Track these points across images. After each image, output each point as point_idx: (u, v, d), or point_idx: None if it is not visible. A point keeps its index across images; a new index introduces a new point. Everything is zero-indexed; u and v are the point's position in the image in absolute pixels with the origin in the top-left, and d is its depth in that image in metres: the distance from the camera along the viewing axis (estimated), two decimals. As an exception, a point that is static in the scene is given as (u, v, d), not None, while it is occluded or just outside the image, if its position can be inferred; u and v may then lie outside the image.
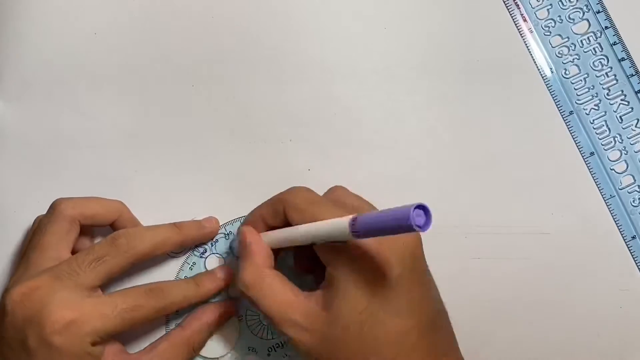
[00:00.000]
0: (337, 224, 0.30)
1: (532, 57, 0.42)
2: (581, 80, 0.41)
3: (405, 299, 0.31)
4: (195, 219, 0.39)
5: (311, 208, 0.33)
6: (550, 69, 0.42)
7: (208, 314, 0.37)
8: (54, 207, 0.36)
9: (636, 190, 0.41)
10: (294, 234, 0.33)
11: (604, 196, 0.41)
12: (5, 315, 0.33)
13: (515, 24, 0.42)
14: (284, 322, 0.32)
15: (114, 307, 0.34)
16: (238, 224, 0.40)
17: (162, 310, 0.36)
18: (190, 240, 0.38)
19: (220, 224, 0.40)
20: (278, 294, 0.33)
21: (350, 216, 0.29)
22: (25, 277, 0.34)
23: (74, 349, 0.32)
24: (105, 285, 0.35)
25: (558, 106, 0.41)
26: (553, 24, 0.42)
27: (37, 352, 0.32)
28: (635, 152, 0.41)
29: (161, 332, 0.38)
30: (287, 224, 0.34)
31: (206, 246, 0.39)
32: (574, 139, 0.41)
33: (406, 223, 0.26)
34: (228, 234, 0.40)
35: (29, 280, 0.33)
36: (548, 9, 0.42)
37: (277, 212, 0.35)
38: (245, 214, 0.40)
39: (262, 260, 0.34)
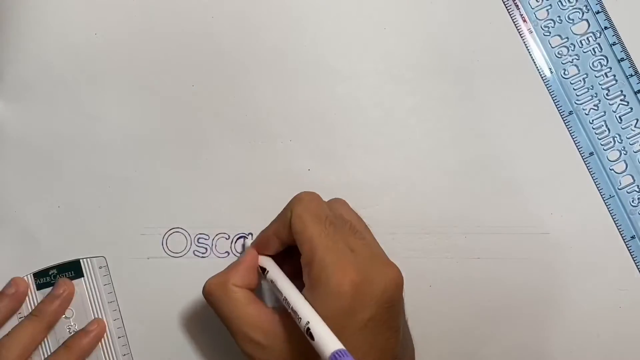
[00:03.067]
0: (323, 340, 0.29)
1: (532, 57, 0.42)
2: (580, 80, 0.42)
3: (369, 342, 0.31)
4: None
5: (310, 225, 0.32)
6: (550, 69, 0.42)
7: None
8: None
9: (635, 190, 0.41)
10: (286, 294, 0.32)
11: (603, 196, 0.41)
12: None
13: (515, 25, 0.42)
14: (244, 340, 0.32)
15: None
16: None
17: None
18: (54, 319, 0.38)
19: (72, 286, 0.39)
20: (239, 308, 0.33)
21: (336, 349, 0.28)
22: None
23: None
24: None
25: (557, 106, 0.41)
26: (552, 25, 0.42)
27: None
28: (635, 152, 0.41)
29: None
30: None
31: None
32: (573, 139, 0.41)
33: None
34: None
35: None
36: (547, 10, 0.42)
37: (285, 221, 0.34)
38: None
39: (237, 278, 0.34)
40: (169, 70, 0.41)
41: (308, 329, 0.29)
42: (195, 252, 0.39)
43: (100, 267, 0.39)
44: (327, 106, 0.41)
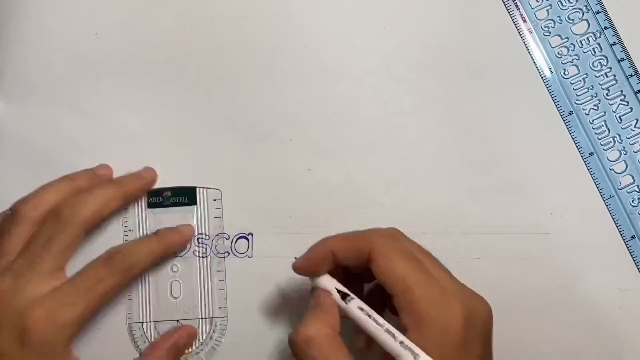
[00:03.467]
0: None
1: (532, 57, 0.42)
2: (580, 80, 0.42)
3: None
4: (131, 172, 0.39)
5: (400, 264, 0.31)
6: (550, 69, 0.42)
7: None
8: (14, 211, 0.35)
9: (635, 190, 0.41)
10: (377, 334, 0.31)
11: (603, 196, 0.41)
12: None
13: (515, 25, 0.42)
14: None
15: (76, 292, 0.33)
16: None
17: (125, 274, 0.35)
18: (132, 192, 0.38)
19: (157, 175, 0.39)
20: (329, 358, 0.30)
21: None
22: None
23: (50, 346, 0.32)
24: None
25: (557, 106, 0.41)
26: (552, 25, 0.42)
27: (14, 355, 0.32)
28: (635, 152, 0.41)
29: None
30: (363, 268, 0.32)
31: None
32: (573, 139, 0.41)
33: None
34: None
35: None
36: (547, 10, 0.42)
37: (359, 253, 0.32)
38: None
39: (330, 321, 0.31)
40: (169, 70, 0.41)
41: None
42: (195, 252, 0.39)
43: (214, 200, 0.39)
44: (327, 106, 0.41)
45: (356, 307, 0.32)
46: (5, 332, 0.32)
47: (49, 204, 0.35)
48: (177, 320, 0.38)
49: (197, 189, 0.39)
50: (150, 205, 0.39)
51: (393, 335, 0.30)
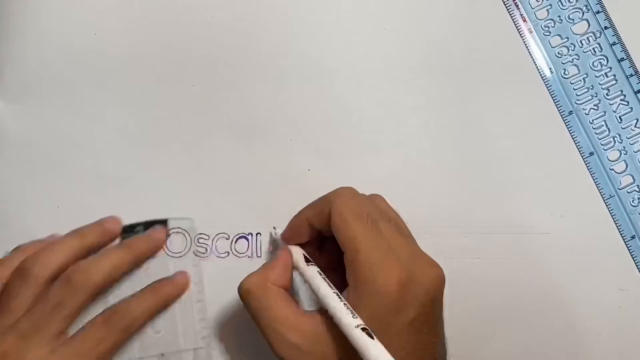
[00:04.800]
0: (371, 354, 0.29)
1: (532, 57, 0.42)
2: (580, 80, 0.42)
3: (413, 341, 0.31)
4: (141, 234, 0.38)
5: (352, 223, 0.32)
6: (550, 69, 0.42)
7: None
8: (26, 270, 0.35)
9: (635, 190, 0.41)
10: (318, 291, 0.32)
11: (603, 196, 0.41)
12: None
13: (515, 25, 0.42)
14: (280, 343, 0.31)
15: (77, 355, 0.33)
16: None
17: (126, 332, 0.35)
18: (141, 255, 0.38)
19: (166, 234, 0.39)
20: (277, 309, 0.32)
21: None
22: None
23: None
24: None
25: (557, 106, 0.41)
26: (552, 24, 0.42)
27: None
28: (635, 152, 0.41)
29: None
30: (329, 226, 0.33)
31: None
32: (573, 139, 0.41)
33: None
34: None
35: None
36: (547, 9, 0.42)
37: (322, 213, 0.33)
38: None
39: (274, 276, 0.33)
40: (169, 70, 0.41)
41: (364, 328, 0.29)
42: (196, 252, 0.39)
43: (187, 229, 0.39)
44: (327, 106, 0.41)
45: (315, 270, 0.33)
46: None
47: (58, 264, 0.35)
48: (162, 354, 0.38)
49: (169, 220, 0.39)
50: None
51: (339, 297, 0.31)
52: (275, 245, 0.39)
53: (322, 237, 0.36)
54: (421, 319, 0.31)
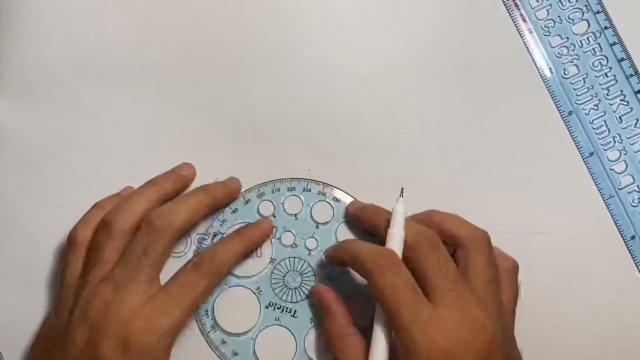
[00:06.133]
0: None
1: (532, 57, 0.42)
2: (580, 80, 0.42)
3: None
4: (217, 181, 0.40)
5: (392, 299, 0.33)
6: (550, 69, 0.42)
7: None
8: (110, 224, 0.36)
9: (635, 190, 0.41)
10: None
11: (603, 196, 0.41)
12: (75, 333, 0.33)
13: (515, 25, 0.42)
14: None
15: (171, 300, 0.34)
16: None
17: (215, 276, 0.36)
18: (219, 199, 0.39)
19: (240, 183, 0.40)
20: (355, 354, 0.34)
21: None
22: (89, 291, 0.34)
23: (151, 355, 0.33)
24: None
25: (557, 106, 0.41)
26: (552, 25, 0.42)
27: None
28: (635, 152, 0.41)
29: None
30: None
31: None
32: (573, 139, 0.41)
33: None
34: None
35: (94, 293, 0.34)
36: (547, 10, 0.42)
37: (359, 269, 0.35)
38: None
39: (344, 319, 0.36)
40: (169, 70, 0.41)
41: None
42: (195, 252, 0.39)
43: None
44: (327, 106, 0.41)
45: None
46: (108, 341, 0.33)
47: (139, 214, 0.37)
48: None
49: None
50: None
51: None
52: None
53: None
54: None
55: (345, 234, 0.39)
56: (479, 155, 0.41)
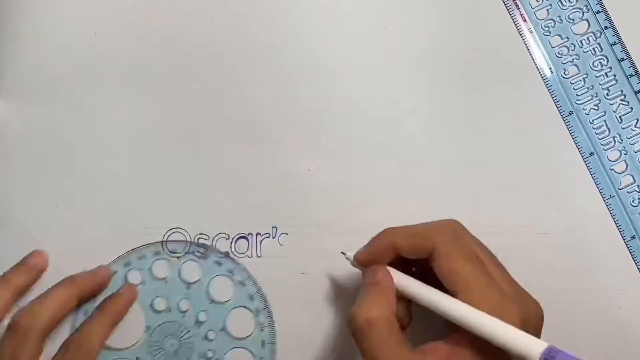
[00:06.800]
0: (527, 342, 0.29)
1: (532, 57, 0.42)
2: (581, 80, 0.42)
3: None
4: (85, 270, 0.39)
5: (462, 264, 0.31)
6: (550, 69, 0.42)
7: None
8: (18, 328, 0.35)
9: (636, 190, 0.41)
10: (451, 310, 0.31)
11: (603, 196, 0.41)
12: None
13: (515, 24, 0.42)
14: None
15: None
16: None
17: (88, 357, 0.36)
18: (86, 292, 0.38)
19: (111, 271, 0.39)
20: (396, 345, 0.31)
21: (546, 345, 0.29)
22: None
23: None
24: None
25: (557, 106, 0.41)
26: (553, 24, 0.42)
27: None
28: (635, 152, 0.41)
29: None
30: (424, 262, 0.33)
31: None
32: (573, 139, 0.41)
33: None
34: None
35: None
36: (548, 9, 0.42)
37: (420, 248, 0.33)
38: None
39: (389, 303, 0.32)
40: (169, 70, 0.41)
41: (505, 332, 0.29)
42: (196, 253, 0.39)
43: None
44: (327, 106, 0.41)
45: (420, 284, 0.33)
46: None
47: (53, 317, 0.36)
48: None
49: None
50: None
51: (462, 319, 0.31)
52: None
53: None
54: None
55: (218, 288, 0.39)
56: (479, 155, 0.41)
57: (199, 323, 0.38)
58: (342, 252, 0.36)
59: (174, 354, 0.38)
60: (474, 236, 0.35)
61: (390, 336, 0.31)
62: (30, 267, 0.38)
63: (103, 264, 0.39)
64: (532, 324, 0.32)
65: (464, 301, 0.31)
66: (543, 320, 0.33)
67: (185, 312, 0.39)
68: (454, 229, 0.34)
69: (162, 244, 0.39)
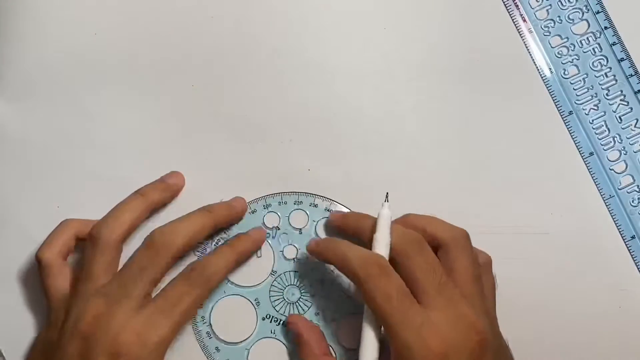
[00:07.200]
0: None
1: (532, 57, 0.42)
2: (580, 80, 0.42)
3: None
4: (223, 200, 0.39)
5: (383, 307, 0.33)
6: (550, 69, 0.42)
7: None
8: (97, 237, 0.36)
9: (635, 190, 0.41)
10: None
11: (603, 196, 0.41)
12: (68, 346, 0.34)
13: (515, 25, 0.42)
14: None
15: (162, 313, 0.34)
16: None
17: (206, 286, 0.36)
18: (222, 222, 0.39)
19: (246, 203, 0.40)
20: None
21: None
22: (81, 304, 0.34)
23: None
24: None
25: (557, 106, 0.41)
26: (552, 25, 0.42)
27: None
28: (635, 152, 0.41)
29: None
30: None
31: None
32: (573, 139, 0.41)
33: None
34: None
35: (86, 307, 0.34)
36: (547, 10, 0.42)
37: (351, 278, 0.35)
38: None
39: (317, 348, 0.36)
40: (169, 70, 0.41)
41: None
42: (196, 252, 0.39)
43: None
44: (327, 106, 0.41)
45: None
46: (100, 355, 0.33)
47: (126, 225, 0.37)
48: None
49: None
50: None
51: None
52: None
53: None
54: None
55: None
56: (479, 155, 0.41)
57: (322, 282, 0.39)
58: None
59: (292, 304, 0.39)
60: (414, 239, 0.35)
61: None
62: (168, 185, 0.39)
63: (240, 197, 0.39)
64: (462, 353, 0.32)
65: (388, 337, 0.33)
66: (483, 350, 0.33)
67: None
68: (379, 264, 0.34)
69: (305, 195, 0.40)
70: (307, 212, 0.40)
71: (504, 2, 0.42)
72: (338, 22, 0.42)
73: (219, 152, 0.41)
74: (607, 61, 0.41)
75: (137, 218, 0.37)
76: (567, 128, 0.41)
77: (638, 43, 0.41)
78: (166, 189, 0.39)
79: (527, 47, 0.42)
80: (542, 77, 0.42)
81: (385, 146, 0.41)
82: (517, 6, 0.42)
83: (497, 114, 0.41)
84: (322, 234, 0.39)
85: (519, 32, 0.42)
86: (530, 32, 0.42)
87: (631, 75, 0.41)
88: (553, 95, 0.41)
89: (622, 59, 0.41)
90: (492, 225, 0.40)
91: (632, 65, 0.41)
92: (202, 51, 0.41)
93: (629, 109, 0.41)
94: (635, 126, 0.41)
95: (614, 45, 0.42)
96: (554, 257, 0.40)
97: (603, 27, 0.42)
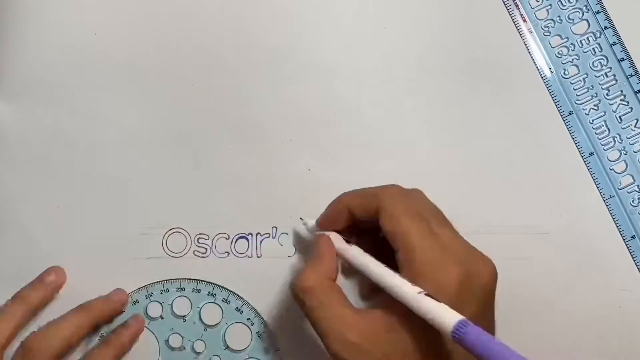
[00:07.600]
0: (440, 314, 0.29)
1: (532, 57, 0.42)
2: (580, 80, 0.42)
3: None
4: (101, 296, 0.39)
5: (405, 221, 0.32)
6: (550, 69, 0.42)
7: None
8: (29, 351, 0.36)
9: (635, 190, 0.41)
10: (380, 276, 0.32)
11: (603, 196, 0.41)
12: None
13: (515, 25, 0.42)
14: (339, 342, 0.30)
15: None
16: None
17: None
18: (101, 318, 0.38)
19: (128, 294, 0.39)
20: (335, 305, 0.32)
21: (458, 319, 0.28)
22: None
23: None
24: None
25: (557, 106, 0.41)
26: (552, 24, 0.42)
27: None
28: (635, 152, 0.41)
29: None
30: (372, 222, 0.33)
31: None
32: (573, 139, 0.41)
33: None
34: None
35: None
36: (547, 10, 0.42)
37: (368, 207, 0.33)
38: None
39: (327, 270, 0.33)
40: (169, 70, 0.41)
41: (427, 294, 0.29)
42: (195, 252, 0.39)
43: None
44: (327, 106, 0.41)
45: (358, 250, 0.34)
46: None
47: (6, 335, 0.36)
48: None
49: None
50: None
51: (392, 271, 0.31)
52: (298, 239, 0.39)
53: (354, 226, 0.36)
54: (479, 315, 0.31)
55: (234, 336, 0.39)
56: (479, 155, 0.41)
57: None
58: (300, 218, 0.38)
59: None
60: (425, 199, 0.35)
61: (330, 300, 0.32)
62: (46, 284, 0.38)
63: (121, 289, 0.39)
64: (476, 282, 0.31)
65: (404, 259, 0.31)
66: (494, 279, 0.33)
67: (199, 353, 0.39)
68: (400, 189, 0.34)
69: (187, 281, 0.39)
70: (190, 298, 0.39)
71: (504, 2, 0.42)
72: (338, 22, 0.42)
73: (218, 152, 0.41)
74: (607, 61, 0.42)
75: (17, 326, 0.37)
76: (567, 128, 0.41)
77: (638, 43, 0.41)
78: (45, 289, 0.38)
79: (527, 47, 0.42)
80: (542, 77, 0.42)
81: (385, 146, 0.41)
82: (517, 6, 0.42)
83: (496, 114, 0.41)
84: (207, 320, 0.39)
85: (519, 32, 0.42)
86: (530, 32, 0.42)
87: (631, 75, 0.41)
88: (553, 95, 0.41)
89: (622, 59, 0.41)
90: (492, 225, 0.40)
91: (632, 65, 0.41)
92: (202, 51, 0.41)
93: (629, 109, 0.41)
94: (635, 126, 0.41)
95: (614, 45, 0.42)
96: (554, 257, 0.40)
97: (603, 27, 0.42)
